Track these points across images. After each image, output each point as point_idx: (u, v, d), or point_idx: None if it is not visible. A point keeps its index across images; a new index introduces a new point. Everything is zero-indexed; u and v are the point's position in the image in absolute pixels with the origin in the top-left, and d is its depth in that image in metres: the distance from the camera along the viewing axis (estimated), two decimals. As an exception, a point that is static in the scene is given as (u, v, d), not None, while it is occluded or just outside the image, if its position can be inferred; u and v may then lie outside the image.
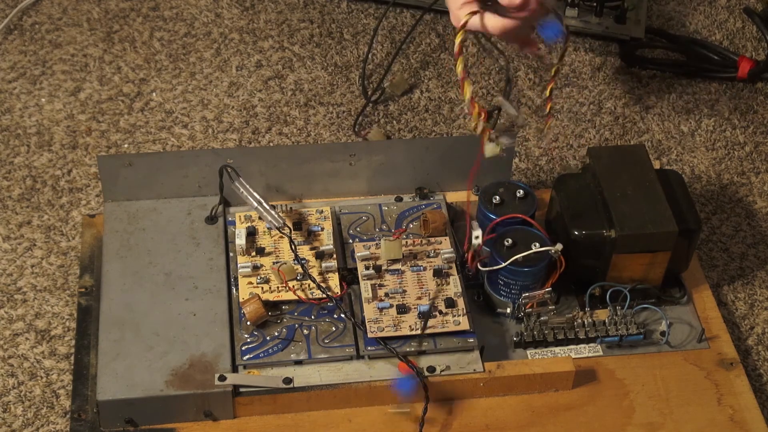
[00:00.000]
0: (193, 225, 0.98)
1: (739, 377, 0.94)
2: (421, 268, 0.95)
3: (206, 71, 1.22)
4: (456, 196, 1.03)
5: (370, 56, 1.22)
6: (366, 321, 0.91)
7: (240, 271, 0.94)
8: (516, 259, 0.92)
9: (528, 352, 0.94)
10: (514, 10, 0.82)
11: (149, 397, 0.86)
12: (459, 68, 0.85)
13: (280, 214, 0.96)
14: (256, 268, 0.94)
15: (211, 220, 0.99)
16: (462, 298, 0.93)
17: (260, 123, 1.16)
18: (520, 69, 1.24)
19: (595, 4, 1.27)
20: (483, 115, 0.88)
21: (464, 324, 0.91)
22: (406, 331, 0.90)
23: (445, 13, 1.29)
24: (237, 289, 0.93)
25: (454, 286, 0.93)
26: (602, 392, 0.92)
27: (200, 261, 0.96)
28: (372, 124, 1.17)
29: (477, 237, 0.95)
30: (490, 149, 0.91)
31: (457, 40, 0.84)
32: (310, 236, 0.97)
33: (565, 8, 1.27)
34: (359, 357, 0.90)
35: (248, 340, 0.90)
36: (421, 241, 0.97)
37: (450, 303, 0.92)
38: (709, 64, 1.25)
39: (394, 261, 0.95)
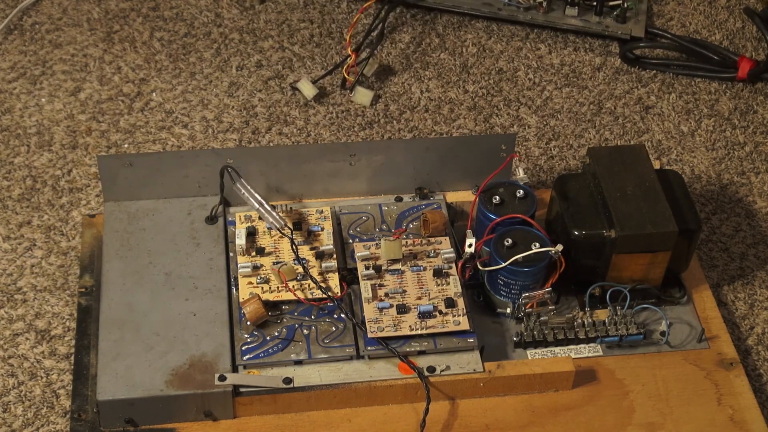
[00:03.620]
0: (193, 225, 0.99)
1: (739, 377, 0.94)
2: (421, 268, 0.95)
3: (206, 71, 1.22)
4: (456, 196, 1.03)
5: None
6: (366, 321, 0.91)
7: (240, 271, 0.94)
8: (516, 259, 0.92)
9: (528, 352, 0.94)
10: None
11: (149, 397, 0.86)
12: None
13: (281, 214, 0.96)
14: (256, 268, 0.94)
15: (211, 220, 0.99)
16: (462, 298, 0.93)
17: (260, 123, 1.16)
18: (520, 69, 1.24)
19: (595, 3, 1.27)
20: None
21: (464, 324, 0.91)
22: (406, 331, 0.90)
23: (445, 12, 1.29)
24: (237, 289, 0.93)
25: (454, 286, 0.93)
26: (602, 392, 0.92)
27: (200, 261, 0.96)
28: (361, 83, 1.19)
29: (470, 245, 0.95)
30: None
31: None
32: (310, 236, 0.97)
33: (566, 7, 1.27)
34: (359, 357, 0.90)
35: (248, 340, 0.90)
36: (421, 241, 0.97)
37: (450, 303, 0.92)
38: (709, 64, 1.25)
39: (394, 261, 0.95)
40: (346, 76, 1.19)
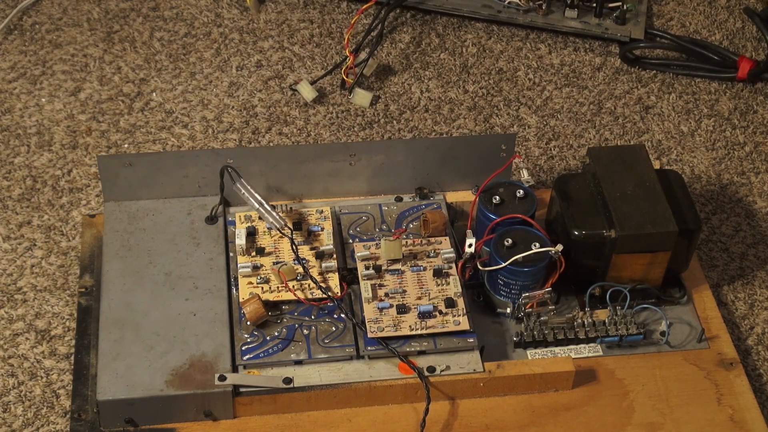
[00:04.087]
0: (193, 225, 0.99)
1: (739, 377, 0.94)
2: (421, 268, 0.95)
3: (206, 71, 1.22)
4: (456, 196, 1.03)
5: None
6: (366, 321, 0.91)
7: (240, 271, 0.94)
8: (516, 259, 0.92)
9: (528, 352, 0.94)
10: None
11: (149, 397, 0.86)
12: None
13: (281, 214, 0.96)
14: (256, 268, 0.94)
15: (211, 220, 0.99)
16: (462, 298, 0.93)
17: (260, 123, 1.16)
18: (520, 69, 1.24)
19: (594, 4, 1.27)
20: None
21: (464, 324, 0.91)
22: (406, 331, 0.90)
23: (445, 13, 1.29)
24: (237, 289, 0.93)
25: (454, 286, 0.93)
26: (602, 392, 0.92)
27: (200, 261, 0.96)
28: (360, 84, 1.20)
29: (470, 245, 0.95)
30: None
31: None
32: (310, 236, 0.97)
33: (565, 9, 1.27)
34: (359, 357, 0.90)
35: (248, 340, 0.90)
36: (421, 241, 0.97)
37: (450, 303, 0.92)
38: (709, 64, 1.25)
39: (394, 261, 0.95)
40: (345, 77, 1.19)
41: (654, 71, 1.25)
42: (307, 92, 1.18)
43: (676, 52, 1.27)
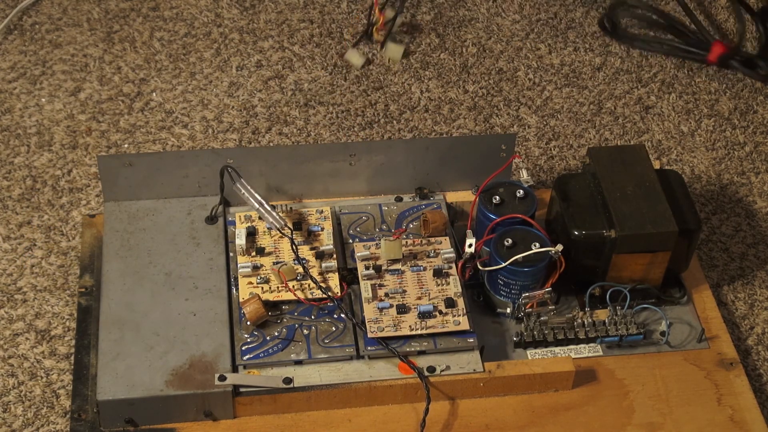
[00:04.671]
0: (193, 225, 0.99)
1: (739, 377, 0.94)
2: (421, 268, 0.95)
3: (206, 71, 1.22)
4: (456, 196, 1.03)
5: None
6: (366, 321, 0.91)
7: (240, 271, 0.94)
8: (516, 259, 0.92)
9: (528, 352, 0.94)
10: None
11: (149, 397, 0.86)
12: None
13: (281, 214, 0.96)
14: (256, 268, 0.94)
15: (211, 220, 0.99)
16: (462, 298, 0.93)
17: (260, 123, 1.16)
18: (520, 69, 1.24)
19: None
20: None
21: (464, 324, 0.91)
22: (406, 331, 0.90)
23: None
24: (237, 289, 0.93)
25: (454, 286, 0.93)
26: (602, 392, 0.92)
27: (200, 261, 0.96)
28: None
29: (470, 245, 0.95)
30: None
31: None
32: (310, 236, 0.97)
33: None
34: (359, 357, 0.90)
35: (248, 340, 0.90)
36: (421, 241, 0.97)
37: (450, 303, 0.92)
38: (685, 40, 1.24)
39: (394, 261, 0.95)
40: (376, 35, 1.21)
41: (640, 50, 1.25)
42: (357, 59, 1.20)
43: (655, 25, 1.26)
